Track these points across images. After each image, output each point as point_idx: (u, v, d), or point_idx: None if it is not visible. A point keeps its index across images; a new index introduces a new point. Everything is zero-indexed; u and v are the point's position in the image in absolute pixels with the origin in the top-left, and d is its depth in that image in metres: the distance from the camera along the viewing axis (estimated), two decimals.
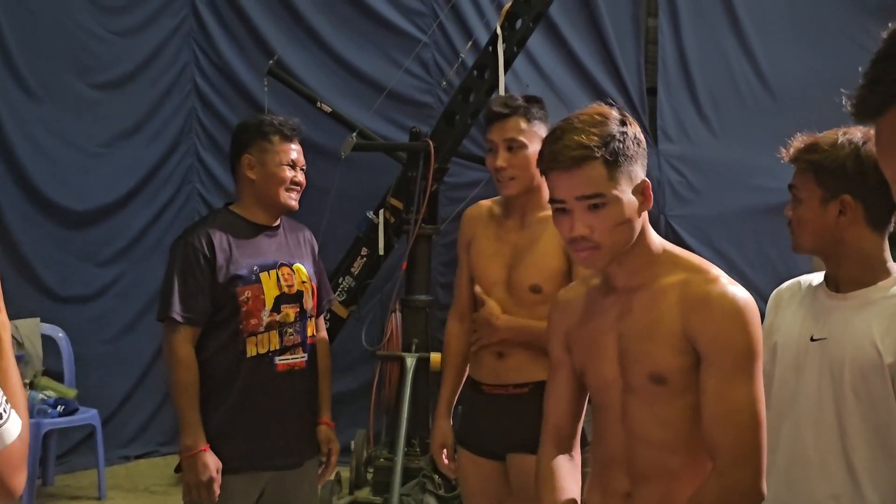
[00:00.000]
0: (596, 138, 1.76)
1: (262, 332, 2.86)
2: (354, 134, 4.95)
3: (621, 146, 1.78)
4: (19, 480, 1.51)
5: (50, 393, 4.97)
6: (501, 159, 2.82)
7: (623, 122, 1.81)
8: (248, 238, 2.91)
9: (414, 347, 4.76)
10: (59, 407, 4.88)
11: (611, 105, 1.83)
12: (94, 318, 5.56)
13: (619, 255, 1.84)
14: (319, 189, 5.23)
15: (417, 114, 5.63)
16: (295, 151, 2.98)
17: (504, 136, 2.84)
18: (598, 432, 1.97)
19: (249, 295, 2.84)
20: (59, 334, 5.28)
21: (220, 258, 2.82)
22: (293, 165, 2.96)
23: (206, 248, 2.82)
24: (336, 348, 5.27)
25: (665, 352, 1.81)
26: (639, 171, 1.83)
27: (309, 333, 2.98)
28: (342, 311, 5.05)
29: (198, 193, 5.92)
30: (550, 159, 1.80)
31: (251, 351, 2.85)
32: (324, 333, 3.15)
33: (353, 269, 5.03)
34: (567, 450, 2.04)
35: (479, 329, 2.86)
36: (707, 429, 1.76)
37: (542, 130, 2.80)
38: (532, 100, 2.89)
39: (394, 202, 4.92)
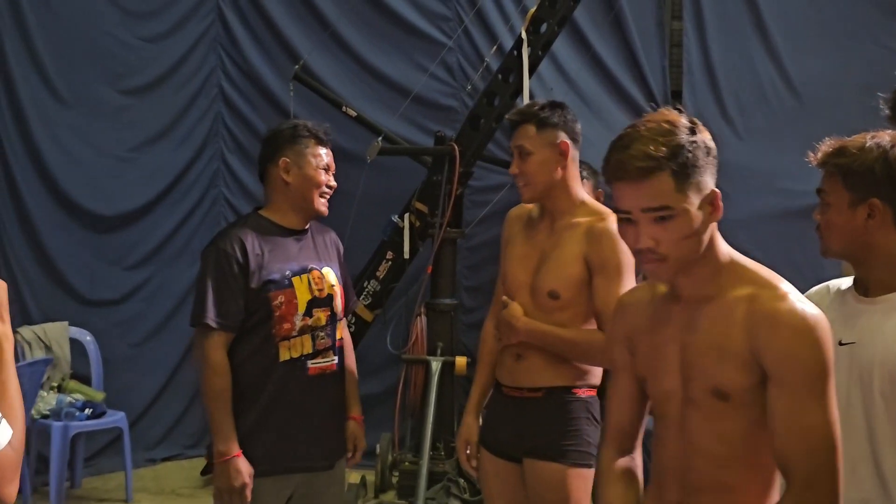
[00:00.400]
0: (664, 149, 1.71)
1: (294, 337, 2.87)
2: (380, 138, 4.95)
3: (691, 157, 1.73)
4: (10, 490, 1.50)
5: (78, 396, 5.00)
6: (514, 166, 2.85)
7: (693, 131, 1.76)
8: (279, 242, 2.91)
9: (439, 351, 4.76)
10: (86, 410, 4.91)
11: (680, 111, 1.78)
12: (122, 322, 5.59)
13: (686, 266, 1.79)
14: (345, 193, 5.19)
15: (442, 118, 5.63)
16: (328, 156, 2.99)
17: (515, 143, 2.86)
18: (657, 441, 1.95)
19: (283, 300, 2.84)
20: (86, 338, 5.32)
21: (253, 263, 2.82)
22: (327, 169, 2.97)
23: (238, 254, 2.82)
24: (361, 352, 5.27)
25: (730, 368, 1.76)
26: (708, 181, 1.78)
27: (338, 336, 2.99)
28: (367, 315, 5.05)
29: (224, 197, 5.94)
30: (617, 169, 1.74)
31: (284, 355, 2.86)
32: (347, 334, 3.16)
33: (378, 273, 5.03)
34: (628, 451, 2.02)
35: (500, 329, 2.87)
36: (779, 450, 1.71)
37: (558, 137, 2.81)
38: (553, 106, 2.88)
39: (419, 206, 4.92)
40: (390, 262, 5.01)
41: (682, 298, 1.86)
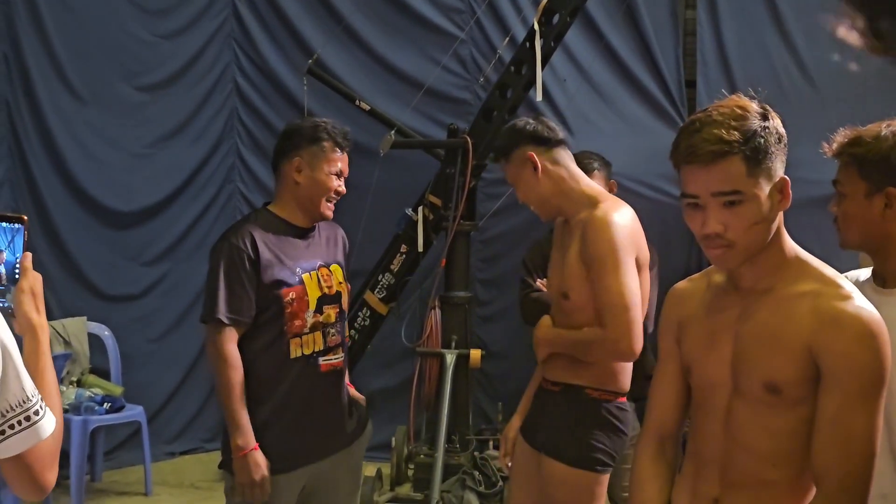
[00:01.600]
0: (737, 133, 1.70)
1: (306, 334, 2.84)
2: (393, 131, 4.91)
3: (763, 142, 1.71)
4: (51, 476, 1.53)
5: (97, 390, 5.00)
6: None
7: (765, 116, 1.74)
8: (289, 240, 2.88)
9: (453, 344, 4.72)
10: (105, 404, 4.91)
11: (752, 97, 1.76)
12: (140, 317, 5.59)
13: (752, 255, 1.77)
14: (358, 187, 5.20)
15: (455, 110, 5.58)
16: (343, 162, 2.93)
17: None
18: (696, 432, 1.92)
19: (294, 296, 2.81)
20: (105, 333, 5.32)
21: (265, 259, 2.79)
22: (339, 175, 2.92)
23: (250, 249, 2.79)
24: (376, 345, 5.24)
25: (785, 361, 1.73)
26: (778, 168, 1.76)
27: (346, 333, 2.97)
28: (382, 308, 5.02)
29: (239, 193, 5.93)
30: (688, 153, 1.72)
31: (295, 352, 2.83)
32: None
33: (392, 266, 5.00)
34: (668, 447, 2.00)
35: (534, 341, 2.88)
36: (818, 451, 1.69)
37: (524, 153, 2.83)
38: (508, 129, 2.92)
39: (432, 199, 4.88)
40: (404, 256, 4.97)
41: (742, 288, 1.84)
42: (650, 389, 2.03)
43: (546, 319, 2.84)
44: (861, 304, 1.70)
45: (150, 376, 5.54)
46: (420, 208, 4.89)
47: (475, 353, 4.64)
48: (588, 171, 3.85)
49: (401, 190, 5.17)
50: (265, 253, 2.80)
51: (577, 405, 2.76)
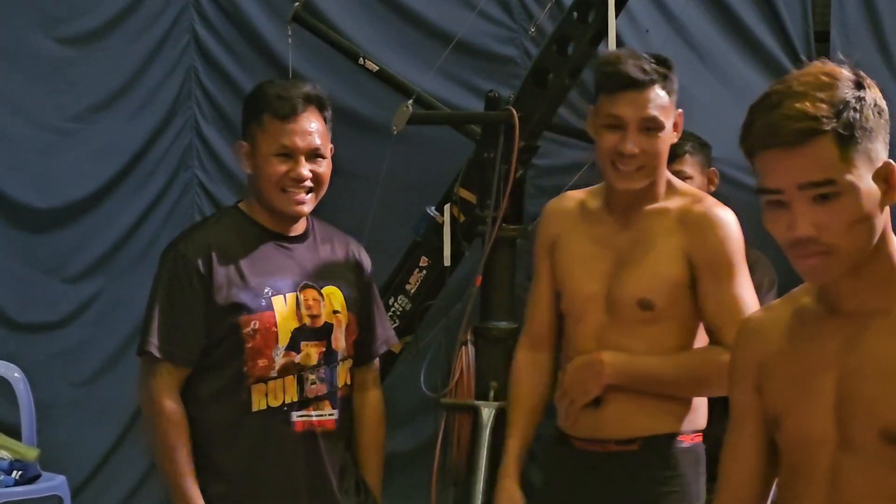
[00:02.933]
0: (825, 106, 1.76)
1: (273, 378, 2.87)
2: (410, 101, 4.95)
3: (858, 116, 1.78)
4: None
5: (3, 454, 5.04)
6: (632, 143, 2.86)
7: (860, 85, 1.81)
8: (261, 249, 2.92)
9: (492, 394, 4.75)
10: (14, 472, 4.95)
11: (841, 63, 1.84)
12: (62, 353, 5.63)
13: (856, 263, 1.82)
14: (362, 177, 5.25)
15: (496, 72, 5.62)
16: (293, 132, 2.92)
17: (641, 114, 2.87)
18: (794, 499, 1.94)
19: (257, 326, 2.85)
20: (14, 374, 5.35)
21: (220, 275, 2.84)
22: (290, 154, 2.91)
23: (201, 262, 2.83)
24: (386, 393, 5.25)
25: None
26: (880, 150, 1.82)
27: (341, 383, 2.98)
28: (394, 345, 5.05)
29: (198, 182, 5.95)
30: (766, 134, 1.78)
31: (258, 403, 2.87)
32: (378, 392, 3.14)
33: (408, 287, 5.03)
34: None
35: (571, 386, 2.88)
36: None
37: (674, 103, 2.88)
38: (661, 62, 2.93)
39: (464, 194, 4.91)
40: (425, 272, 5.01)
41: (843, 311, 1.88)
42: (722, 456, 2.07)
43: (599, 356, 2.86)
44: None
45: (76, 434, 5.58)
46: (447, 206, 4.93)
47: None
48: (676, 156, 3.89)
49: (421, 181, 5.22)
50: (220, 266, 2.84)
51: (671, 458, 2.80)
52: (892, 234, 1.86)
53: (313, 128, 2.93)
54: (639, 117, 2.90)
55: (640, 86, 2.90)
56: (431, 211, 4.98)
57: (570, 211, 3.08)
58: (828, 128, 1.74)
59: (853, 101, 1.77)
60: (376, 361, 3.23)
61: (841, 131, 1.75)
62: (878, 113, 1.81)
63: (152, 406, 2.80)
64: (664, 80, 2.94)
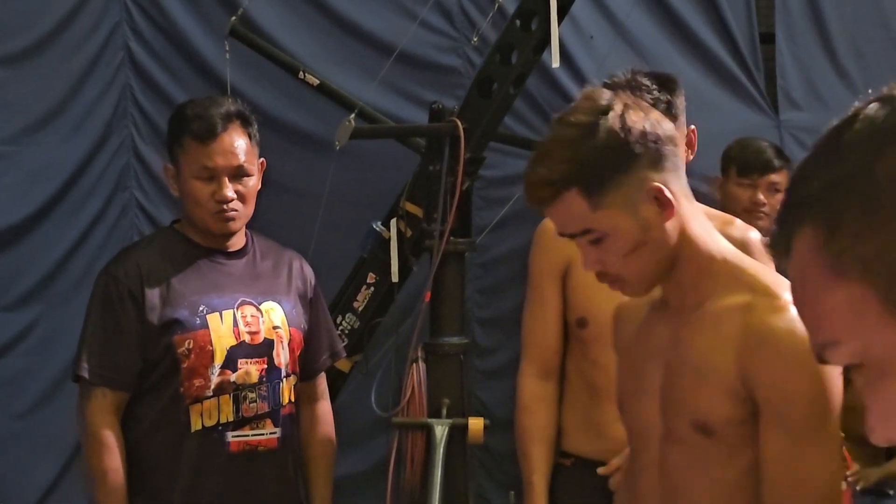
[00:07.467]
0: (564, 166, 1.94)
1: (209, 398, 2.87)
2: (353, 115, 4.96)
3: (603, 165, 1.94)
4: None
5: None
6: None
7: (608, 122, 1.94)
8: (195, 266, 2.92)
9: (445, 411, 4.75)
10: None
11: (613, 85, 2.04)
12: (0, 384, 5.58)
13: (657, 277, 2.02)
14: (306, 193, 5.26)
15: (440, 83, 5.64)
16: (214, 153, 2.92)
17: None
18: (632, 487, 2.15)
19: (191, 345, 2.86)
20: None
21: (152, 295, 2.84)
22: (213, 175, 2.91)
23: (132, 283, 2.82)
24: (336, 416, 5.25)
25: (713, 395, 1.94)
26: (643, 178, 1.97)
27: (284, 400, 2.98)
28: (343, 364, 5.04)
29: (136, 203, 5.92)
30: (525, 195, 2.04)
31: (195, 423, 2.87)
32: (326, 404, 3.14)
33: (356, 304, 5.03)
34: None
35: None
36: (768, 501, 1.90)
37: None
38: (663, 83, 2.93)
39: (410, 208, 4.92)
40: (373, 288, 5.01)
41: (672, 306, 2.10)
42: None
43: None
44: (792, 313, 1.75)
45: (16, 468, 5.53)
46: (393, 221, 4.93)
47: (475, 423, 4.66)
48: None
49: (366, 196, 5.23)
50: (153, 287, 2.85)
51: None
52: (698, 235, 2.02)
53: (236, 146, 2.93)
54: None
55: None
56: (377, 226, 4.99)
57: None
58: (569, 187, 1.92)
59: (596, 150, 1.92)
60: (323, 374, 3.22)
61: (585, 186, 1.92)
62: (628, 147, 1.95)
63: (84, 431, 2.80)
64: (667, 107, 2.96)
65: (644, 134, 1.97)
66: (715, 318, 1.96)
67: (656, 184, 1.96)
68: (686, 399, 1.96)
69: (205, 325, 2.86)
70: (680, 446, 1.98)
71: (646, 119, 2.00)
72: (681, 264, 1.99)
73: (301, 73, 5.24)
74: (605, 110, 1.96)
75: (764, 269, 2.03)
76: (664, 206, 1.96)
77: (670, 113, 2.95)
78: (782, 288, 1.93)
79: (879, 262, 0.95)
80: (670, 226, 1.98)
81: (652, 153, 1.97)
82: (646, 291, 2.03)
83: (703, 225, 2.05)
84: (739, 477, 1.92)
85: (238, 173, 2.90)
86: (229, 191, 2.89)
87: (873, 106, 1.02)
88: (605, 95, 2.01)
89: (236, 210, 2.91)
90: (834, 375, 1.86)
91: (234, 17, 5.30)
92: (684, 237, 1.99)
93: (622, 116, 1.96)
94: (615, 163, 1.93)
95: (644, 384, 2.07)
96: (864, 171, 0.96)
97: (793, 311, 1.81)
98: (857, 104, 1.07)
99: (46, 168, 5.73)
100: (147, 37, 5.91)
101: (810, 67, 5.75)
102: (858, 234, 0.97)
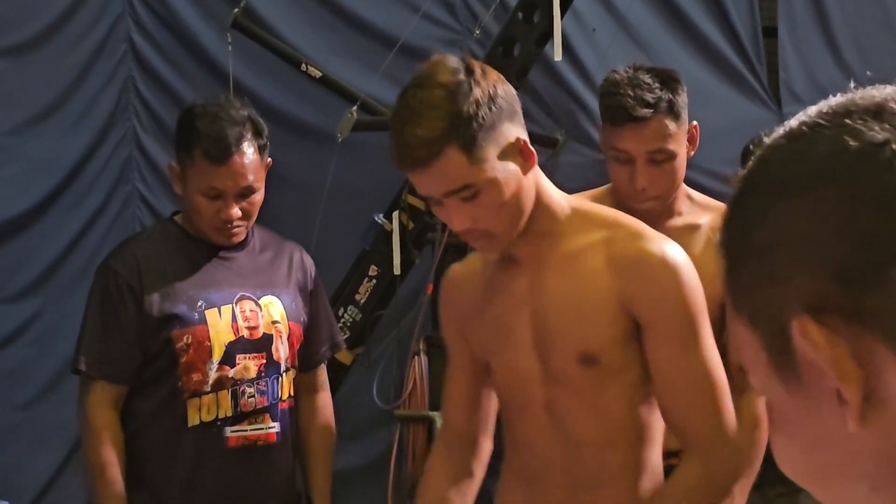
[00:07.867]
0: (440, 123, 2.01)
1: (207, 393, 2.87)
2: (355, 107, 4.96)
3: (475, 121, 2.02)
4: None
5: None
6: (642, 178, 2.85)
7: (470, 80, 2.04)
8: (194, 260, 2.91)
9: None
10: None
11: (457, 52, 2.11)
12: (2, 376, 5.60)
13: (519, 230, 2.12)
14: (308, 186, 5.26)
15: None
16: (224, 176, 2.88)
17: (648, 147, 2.86)
18: (517, 440, 2.24)
19: (190, 340, 2.86)
20: None
21: (152, 289, 2.84)
22: (219, 196, 2.89)
23: (131, 277, 2.82)
24: (337, 409, 5.26)
25: (596, 324, 2.07)
26: (508, 132, 2.09)
27: (284, 395, 2.97)
28: (345, 356, 5.05)
29: (139, 195, 5.93)
30: (399, 160, 2.09)
31: (193, 418, 2.87)
32: (325, 395, 3.14)
33: (357, 297, 5.04)
34: (467, 458, 2.37)
35: None
36: (668, 411, 2.06)
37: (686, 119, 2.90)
38: (664, 81, 2.91)
39: (412, 201, 4.92)
40: (375, 281, 5.01)
41: (522, 260, 2.19)
42: (443, 399, 2.51)
43: None
44: (657, 238, 2.11)
45: (19, 458, 5.54)
46: (395, 214, 4.94)
47: None
48: None
49: (368, 189, 5.23)
50: (152, 279, 2.84)
51: None
52: (547, 189, 2.15)
53: (246, 166, 2.87)
54: (645, 150, 2.86)
55: (643, 120, 2.85)
56: (379, 219, 4.99)
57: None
58: (448, 143, 1.99)
59: (470, 106, 2.01)
60: (323, 365, 3.22)
61: (463, 141, 1.99)
62: (492, 101, 2.05)
63: (83, 423, 2.81)
64: (669, 106, 2.89)
65: (505, 90, 2.11)
66: (579, 255, 2.09)
67: (520, 138, 2.09)
68: (568, 335, 2.08)
69: (203, 321, 2.85)
70: (563, 385, 2.10)
71: (499, 77, 2.13)
72: (536, 214, 2.11)
73: (303, 65, 5.24)
74: (467, 70, 2.05)
75: (605, 209, 2.22)
76: (527, 157, 2.08)
77: (672, 112, 2.88)
78: (629, 219, 2.14)
79: (760, 314, 0.91)
80: (531, 177, 2.11)
81: (511, 108, 2.10)
82: (507, 246, 2.13)
83: (548, 180, 2.18)
84: (621, 399, 2.06)
85: (245, 193, 2.88)
86: (234, 210, 2.88)
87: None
88: (453, 58, 2.11)
89: (240, 226, 2.91)
90: (697, 282, 2.05)
91: (236, 10, 5.30)
92: (539, 190, 2.13)
93: (484, 74, 2.07)
94: (487, 117, 2.02)
95: (512, 337, 2.16)
96: (758, 222, 0.92)
97: (650, 233, 2.07)
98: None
99: (48, 160, 5.73)
100: (149, 29, 5.91)
101: (813, 61, 5.75)
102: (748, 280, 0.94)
